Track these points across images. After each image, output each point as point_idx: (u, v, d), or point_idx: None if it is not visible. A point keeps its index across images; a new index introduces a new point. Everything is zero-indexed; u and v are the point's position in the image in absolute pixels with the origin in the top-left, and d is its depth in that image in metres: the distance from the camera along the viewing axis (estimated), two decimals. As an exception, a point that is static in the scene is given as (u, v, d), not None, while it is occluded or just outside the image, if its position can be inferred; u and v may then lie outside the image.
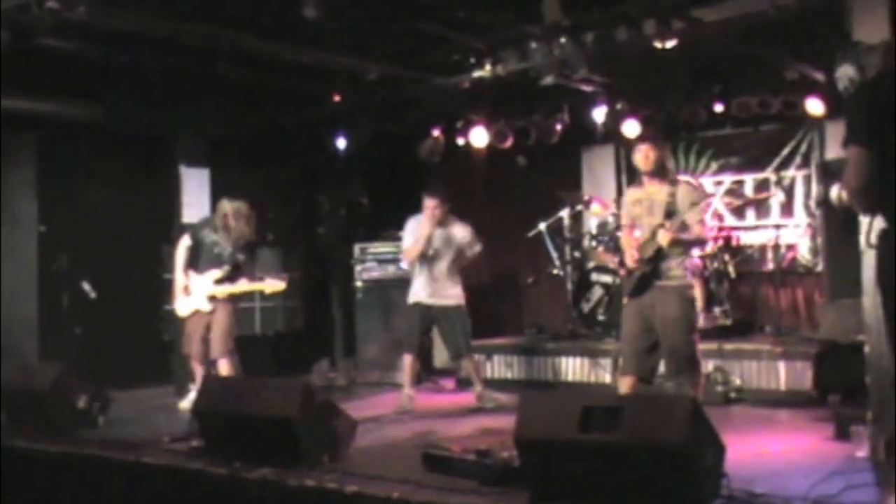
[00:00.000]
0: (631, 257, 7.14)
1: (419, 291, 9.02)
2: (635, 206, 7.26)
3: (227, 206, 8.91)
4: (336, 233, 12.47)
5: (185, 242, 8.95)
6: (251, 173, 11.34)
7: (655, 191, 7.10)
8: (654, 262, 7.02)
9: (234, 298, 8.90)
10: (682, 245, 7.04)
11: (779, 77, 9.97)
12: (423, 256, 8.91)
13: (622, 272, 7.32)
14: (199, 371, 8.80)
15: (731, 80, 10.44)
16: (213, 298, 8.74)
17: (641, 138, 7.55)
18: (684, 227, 6.94)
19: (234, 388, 6.95)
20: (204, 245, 8.87)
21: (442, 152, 11.99)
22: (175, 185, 11.04)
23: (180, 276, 8.88)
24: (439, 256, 8.96)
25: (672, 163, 7.81)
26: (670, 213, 6.95)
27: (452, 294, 9.01)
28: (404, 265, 9.34)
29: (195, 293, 8.78)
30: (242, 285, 8.81)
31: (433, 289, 8.95)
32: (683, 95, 10.73)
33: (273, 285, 8.80)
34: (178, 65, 9.61)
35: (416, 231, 8.96)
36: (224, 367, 8.71)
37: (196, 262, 8.90)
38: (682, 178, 7.72)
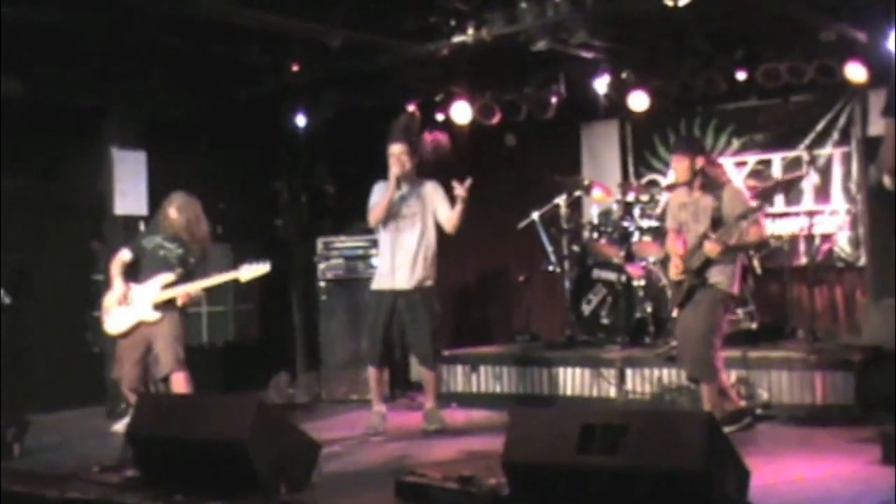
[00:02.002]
0: (676, 268, 7.81)
1: (383, 274, 8.92)
2: (681, 210, 7.91)
3: (173, 198, 8.82)
4: (296, 225, 12.47)
5: (122, 256, 8.81)
6: (196, 157, 11.30)
7: (700, 195, 7.73)
8: (700, 273, 7.66)
9: (184, 306, 8.79)
10: (737, 251, 7.67)
11: (812, 39, 9.93)
12: (389, 215, 8.78)
13: (665, 276, 7.83)
14: (132, 398, 8.70)
15: (756, 43, 10.42)
16: (160, 306, 8.61)
17: (674, 149, 8.21)
18: (736, 232, 7.52)
19: (175, 407, 6.93)
20: (146, 253, 8.77)
21: (418, 130, 11.95)
22: (106, 171, 10.96)
23: (118, 287, 8.75)
24: (409, 222, 8.85)
25: (716, 168, 8.14)
26: (717, 221, 7.52)
27: (425, 272, 8.86)
28: (370, 223, 9.05)
29: (136, 302, 8.64)
30: (209, 280, 8.72)
31: (402, 269, 8.81)
32: (700, 62, 10.71)
33: (251, 272, 8.70)
34: (108, 29, 9.55)
35: (383, 188, 8.89)
36: (179, 383, 8.55)
37: (137, 274, 8.78)
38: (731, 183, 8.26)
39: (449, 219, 8.82)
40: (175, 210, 8.72)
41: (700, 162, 7.87)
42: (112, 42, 9.84)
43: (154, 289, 8.59)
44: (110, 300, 8.71)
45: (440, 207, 8.88)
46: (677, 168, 7.98)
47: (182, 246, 8.72)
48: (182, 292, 8.59)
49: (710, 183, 7.88)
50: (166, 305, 8.59)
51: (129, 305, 8.62)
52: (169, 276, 8.59)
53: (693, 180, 7.87)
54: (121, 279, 8.69)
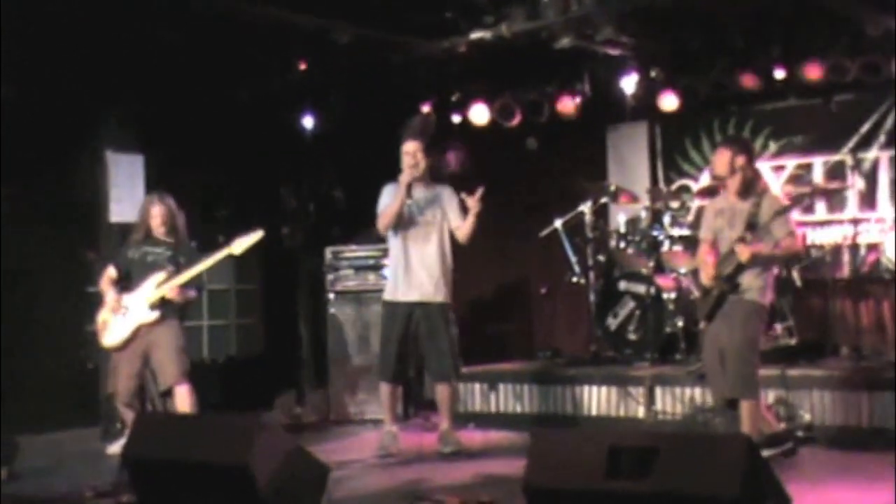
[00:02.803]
0: (707, 275, 7.84)
1: (397, 284, 8.88)
2: (717, 217, 7.96)
3: (146, 199, 9.01)
4: (303, 234, 12.47)
5: (109, 273, 8.90)
6: (196, 161, 11.28)
7: (737, 200, 7.78)
8: (732, 280, 7.66)
9: (181, 313, 8.80)
10: (768, 261, 7.69)
11: (857, 33, 9.90)
12: (401, 221, 8.74)
13: (697, 289, 8.09)
14: (128, 416, 8.72)
15: (796, 38, 10.39)
16: (157, 305, 8.65)
17: (719, 144, 8.30)
18: (770, 241, 7.55)
19: (174, 427, 6.88)
20: (133, 264, 8.83)
21: (433, 133, 11.94)
22: (101, 176, 10.97)
23: (110, 297, 8.78)
24: (424, 230, 8.82)
25: (757, 175, 8.16)
26: (752, 225, 7.54)
27: (440, 288, 8.84)
28: (380, 229, 9.02)
29: (132, 308, 8.69)
30: (200, 264, 8.69)
31: (416, 278, 8.79)
32: (735, 59, 10.69)
33: (245, 243, 8.67)
34: (102, 25, 9.54)
35: (394, 193, 8.84)
36: (183, 397, 8.58)
37: (131, 284, 8.83)
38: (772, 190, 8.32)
39: (460, 228, 8.80)
40: (153, 213, 8.81)
41: (741, 161, 7.84)
42: (107, 37, 9.83)
43: (148, 290, 8.67)
44: (105, 314, 8.76)
45: (452, 215, 8.85)
46: (717, 161, 8.00)
47: (169, 248, 8.81)
48: (176, 283, 8.62)
49: (749, 187, 7.85)
50: (164, 310, 8.65)
51: (125, 312, 8.66)
52: (161, 275, 8.67)
53: (731, 181, 7.84)
54: (113, 291, 8.75)
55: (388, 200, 8.83)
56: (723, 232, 7.86)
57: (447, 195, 8.90)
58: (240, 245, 8.67)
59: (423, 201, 8.84)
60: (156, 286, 8.65)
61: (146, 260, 8.80)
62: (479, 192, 8.56)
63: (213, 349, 11.51)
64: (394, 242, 8.92)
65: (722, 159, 7.94)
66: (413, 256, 8.80)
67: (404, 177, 8.68)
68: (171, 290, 8.61)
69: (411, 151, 8.74)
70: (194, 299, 9.06)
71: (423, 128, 11.63)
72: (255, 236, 8.68)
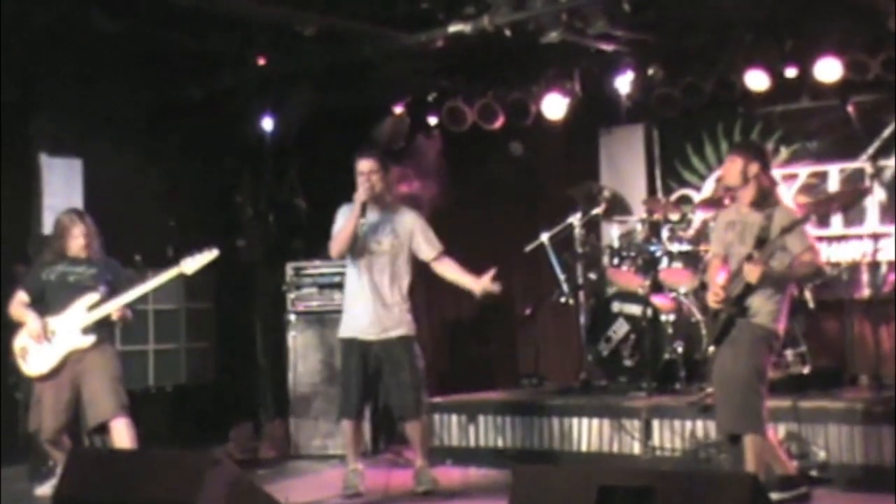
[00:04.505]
0: (714, 295, 7.77)
1: (355, 319, 8.87)
2: (728, 230, 7.93)
3: (61, 216, 8.98)
4: (261, 247, 12.43)
5: (19, 298, 8.88)
6: (142, 166, 11.25)
7: (749, 212, 7.77)
8: (741, 302, 7.63)
9: (122, 323, 8.77)
10: (782, 281, 7.69)
11: (878, 27, 9.89)
12: (356, 245, 8.71)
13: (699, 310, 8.03)
14: (55, 454, 8.65)
15: (809, 32, 10.40)
16: (91, 330, 8.59)
17: (729, 151, 8.35)
18: (784, 257, 7.56)
19: (113, 465, 6.83)
20: (50, 286, 8.77)
21: (407, 136, 11.93)
22: (32, 182, 10.91)
23: (32, 321, 8.71)
24: (381, 258, 8.79)
25: (773, 184, 8.12)
26: (762, 240, 7.52)
27: (398, 320, 8.84)
28: (332, 254, 9.03)
29: (60, 333, 8.62)
30: (148, 283, 8.67)
31: (375, 314, 8.77)
32: (742, 55, 10.69)
33: (196, 263, 8.66)
34: (34, 11, 9.50)
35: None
36: (121, 432, 8.51)
37: (49, 308, 8.77)
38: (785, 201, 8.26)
39: (439, 264, 8.89)
40: (75, 233, 8.78)
41: (755, 168, 7.80)
42: (40, 25, 9.77)
43: (78, 313, 8.61)
44: (23, 339, 8.71)
45: (421, 244, 8.86)
46: (728, 171, 7.97)
47: (92, 266, 8.76)
48: (117, 306, 8.57)
49: (763, 198, 7.79)
50: (99, 334, 8.59)
51: (52, 339, 8.59)
52: (93, 296, 8.63)
53: (744, 191, 7.81)
54: (32, 314, 8.69)
55: (342, 222, 8.81)
56: (733, 246, 7.81)
57: (409, 222, 8.88)
58: (191, 264, 8.67)
59: (379, 228, 8.81)
60: (87, 308, 8.59)
61: (67, 280, 8.74)
62: (493, 272, 8.64)
63: (160, 376, 11.44)
64: (350, 270, 8.93)
65: (733, 168, 7.88)
66: (369, 287, 8.79)
67: (359, 195, 8.66)
68: (115, 310, 8.55)
69: (365, 172, 8.69)
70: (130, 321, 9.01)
71: (393, 135, 11.69)
72: (208, 255, 8.67)
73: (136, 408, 8.98)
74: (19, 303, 8.84)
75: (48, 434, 8.61)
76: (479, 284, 8.66)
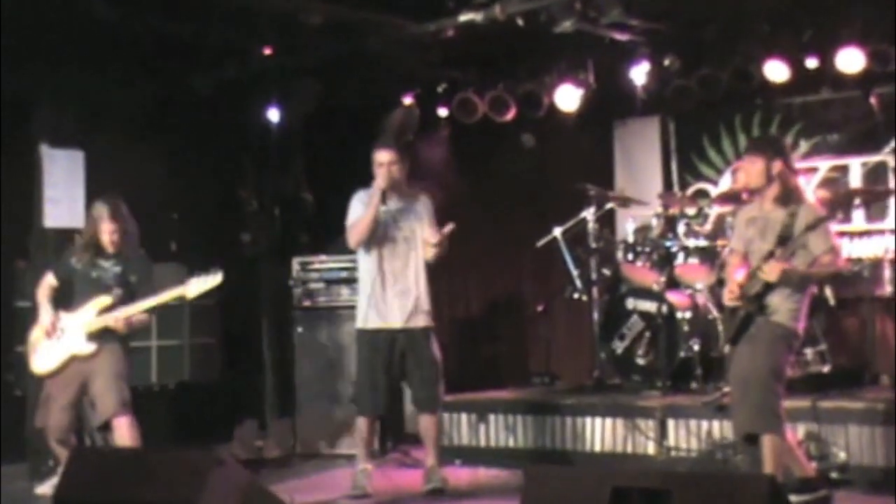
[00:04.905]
0: (729, 293, 7.74)
1: (373, 308, 8.84)
2: (749, 227, 7.86)
3: (97, 204, 8.83)
4: (266, 242, 12.44)
5: (48, 281, 8.86)
6: (145, 158, 11.24)
7: (772, 209, 7.71)
8: (759, 300, 7.58)
9: (125, 336, 8.74)
10: (803, 281, 7.64)
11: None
12: (376, 234, 8.71)
13: (715, 307, 7.98)
14: (61, 453, 8.65)
15: (830, 21, 10.38)
16: (96, 336, 8.58)
17: (746, 150, 8.15)
18: (806, 256, 7.50)
19: (115, 464, 6.83)
20: (76, 275, 8.76)
21: (416, 128, 11.93)
22: (34, 174, 10.91)
23: (45, 315, 8.74)
24: (403, 245, 8.81)
25: (797, 179, 8.05)
26: (784, 238, 7.48)
27: (423, 309, 8.86)
28: (351, 244, 9.00)
29: (68, 333, 8.62)
30: (151, 299, 8.65)
31: (396, 301, 8.79)
32: (760, 46, 10.66)
33: (201, 285, 8.66)
34: (36, 2, 9.50)
35: (366, 202, 8.82)
36: (122, 430, 8.51)
37: (69, 300, 8.78)
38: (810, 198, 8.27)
39: (427, 245, 8.85)
40: (103, 229, 8.70)
41: (778, 166, 7.74)
42: (41, 14, 9.78)
43: (88, 316, 8.59)
44: (37, 333, 8.69)
45: (427, 228, 8.88)
46: (750, 171, 7.86)
47: (118, 262, 8.71)
48: (121, 317, 8.54)
49: (788, 194, 7.74)
50: (104, 335, 8.58)
51: (60, 337, 8.58)
52: (105, 300, 8.59)
53: (768, 188, 7.76)
54: (48, 307, 8.67)
55: (360, 210, 8.80)
56: (753, 243, 7.75)
57: (423, 204, 8.92)
58: (195, 287, 8.64)
59: (398, 215, 8.83)
60: (97, 312, 8.57)
61: (90, 275, 8.71)
62: (449, 228, 8.67)
63: (164, 373, 11.43)
64: (366, 260, 8.89)
65: (755, 169, 7.78)
66: (390, 276, 8.79)
67: (378, 182, 8.68)
68: (115, 321, 8.54)
69: (385, 162, 8.71)
70: (144, 324, 8.98)
71: (402, 128, 11.67)
72: (213, 280, 8.65)
73: (139, 405, 8.98)
74: (46, 287, 8.80)
75: (55, 432, 8.61)
76: (437, 237, 8.69)
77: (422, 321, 8.82)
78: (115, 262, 8.73)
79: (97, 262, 8.75)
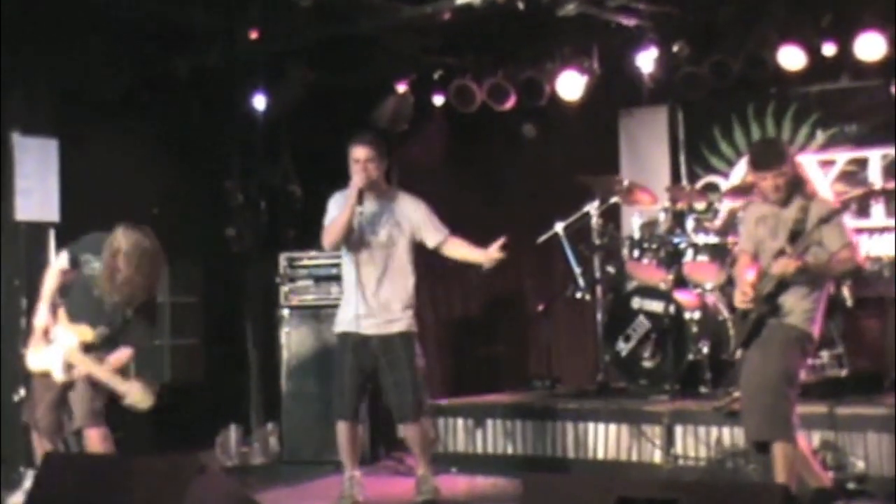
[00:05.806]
0: (741, 295, 7.71)
1: (351, 312, 8.86)
2: (759, 225, 7.85)
3: (122, 238, 8.49)
4: (252, 237, 12.42)
5: (60, 262, 8.79)
6: (122, 147, 11.26)
7: (782, 206, 7.69)
8: (773, 300, 7.59)
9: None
10: (818, 278, 7.63)
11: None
12: (352, 236, 8.71)
13: (726, 308, 7.95)
14: (45, 449, 8.66)
15: (850, 4, 10.40)
16: (70, 367, 8.57)
17: (759, 166, 7.91)
18: (821, 253, 7.49)
19: (90, 470, 6.86)
20: (82, 277, 8.69)
21: (410, 117, 11.93)
22: (4, 164, 10.88)
23: (44, 310, 8.70)
24: (381, 251, 8.80)
25: (806, 173, 8.00)
26: (796, 234, 7.47)
27: (398, 315, 8.85)
28: (325, 246, 9.03)
29: (55, 347, 8.61)
30: (104, 368, 8.54)
31: (372, 307, 8.79)
32: (774, 31, 10.66)
33: (137, 394, 8.52)
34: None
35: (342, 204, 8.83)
36: (93, 441, 8.54)
37: (69, 297, 8.75)
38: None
39: (445, 247, 8.90)
40: (126, 257, 8.39)
41: (788, 174, 7.70)
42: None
43: (71, 341, 8.53)
44: (37, 329, 8.67)
45: (428, 232, 8.87)
46: (774, 185, 7.71)
47: (127, 308, 8.57)
48: (84, 369, 8.48)
49: (797, 190, 7.70)
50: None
51: (48, 345, 8.61)
52: (88, 333, 8.52)
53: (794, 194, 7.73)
54: (45, 308, 8.65)
55: (336, 212, 8.81)
56: (764, 243, 7.73)
57: (409, 209, 8.90)
58: (135, 393, 8.47)
59: (376, 216, 8.82)
60: (80, 344, 8.53)
61: (92, 291, 8.55)
62: (502, 241, 8.65)
63: (144, 375, 11.39)
64: (346, 262, 8.95)
65: (779, 184, 7.67)
66: (367, 281, 8.79)
67: (355, 181, 8.67)
68: (77, 372, 8.52)
69: (361, 160, 8.69)
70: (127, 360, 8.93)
71: (396, 113, 11.68)
72: (145, 398, 8.48)
73: (117, 409, 8.98)
74: (56, 272, 8.72)
75: (42, 429, 8.65)
76: (486, 255, 8.69)
77: (397, 327, 8.82)
78: (126, 306, 8.56)
79: (101, 280, 8.62)
